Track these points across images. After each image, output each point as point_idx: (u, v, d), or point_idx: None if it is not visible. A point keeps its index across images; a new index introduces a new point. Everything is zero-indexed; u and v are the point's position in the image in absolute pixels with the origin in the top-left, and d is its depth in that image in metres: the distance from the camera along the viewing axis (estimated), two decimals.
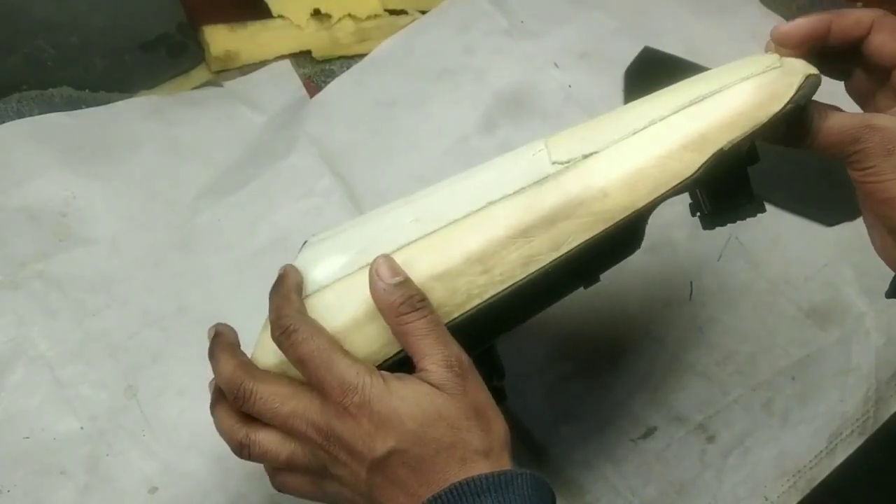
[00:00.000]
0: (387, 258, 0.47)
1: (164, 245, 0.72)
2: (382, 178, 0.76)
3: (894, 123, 0.46)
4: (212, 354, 0.49)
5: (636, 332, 0.69)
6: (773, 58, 0.48)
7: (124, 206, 0.73)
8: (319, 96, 0.82)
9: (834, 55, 0.50)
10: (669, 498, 0.63)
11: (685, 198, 0.52)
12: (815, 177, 0.75)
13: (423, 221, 0.49)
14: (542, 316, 0.52)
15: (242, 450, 0.48)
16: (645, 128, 0.48)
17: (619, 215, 0.48)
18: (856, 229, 0.73)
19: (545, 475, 0.45)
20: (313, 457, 0.47)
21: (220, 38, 0.83)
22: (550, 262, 0.48)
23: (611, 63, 0.83)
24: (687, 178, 0.47)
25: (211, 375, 0.49)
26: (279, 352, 0.47)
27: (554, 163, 0.49)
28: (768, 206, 0.55)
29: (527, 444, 0.65)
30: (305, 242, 0.52)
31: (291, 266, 0.50)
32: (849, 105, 0.50)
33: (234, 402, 0.48)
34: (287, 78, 0.83)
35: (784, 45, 0.49)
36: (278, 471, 0.49)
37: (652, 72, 0.82)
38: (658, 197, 0.48)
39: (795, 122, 0.47)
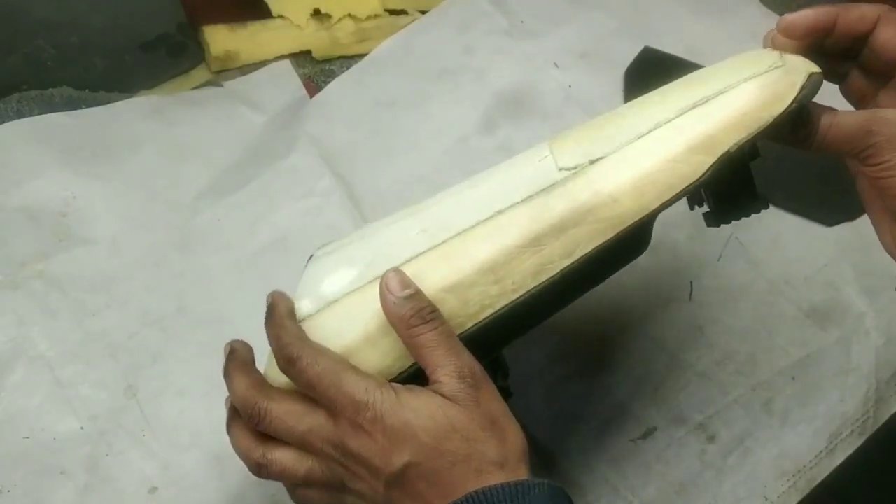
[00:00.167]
0: (397, 271, 0.47)
1: (164, 245, 0.72)
2: (382, 178, 0.76)
3: None
4: (226, 373, 0.49)
5: (636, 333, 0.69)
6: (773, 56, 0.48)
7: (124, 206, 0.73)
8: (319, 96, 0.82)
9: (832, 56, 0.49)
10: (669, 498, 0.63)
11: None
12: (815, 177, 0.75)
13: (430, 232, 0.49)
14: None
15: (260, 470, 0.48)
16: (651, 131, 0.48)
17: (630, 220, 0.48)
18: (856, 229, 0.73)
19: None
20: (331, 472, 0.46)
21: (220, 38, 0.83)
22: (562, 270, 0.48)
23: (611, 63, 0.83)
24: (696, 181, 0.47)
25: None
26: None
27: (561, 169, 0.49)
28: None
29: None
30: (311, 257, 0.51)
31: (278, 292, 0.49)
32: (844, 108, 0.50)
33: (249, 421, 0.48)
34: (287, 78, 0.83)
35: (789, 36, 0.48)
36: (297, 486, 0.49)
37: (652, 72, 0.82)
38: (667, 200, 0.48)
39: (799, 121, 0.47)
